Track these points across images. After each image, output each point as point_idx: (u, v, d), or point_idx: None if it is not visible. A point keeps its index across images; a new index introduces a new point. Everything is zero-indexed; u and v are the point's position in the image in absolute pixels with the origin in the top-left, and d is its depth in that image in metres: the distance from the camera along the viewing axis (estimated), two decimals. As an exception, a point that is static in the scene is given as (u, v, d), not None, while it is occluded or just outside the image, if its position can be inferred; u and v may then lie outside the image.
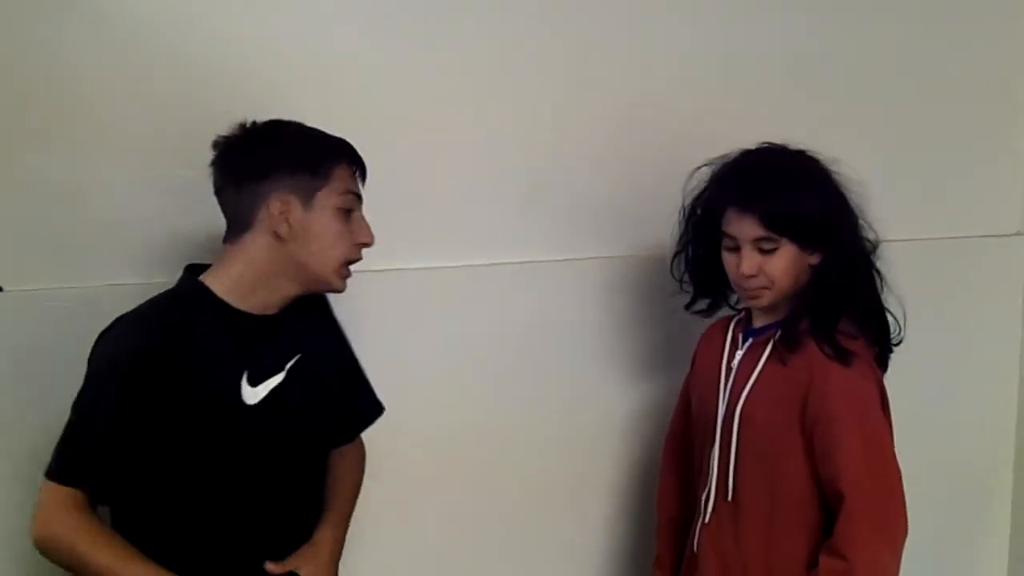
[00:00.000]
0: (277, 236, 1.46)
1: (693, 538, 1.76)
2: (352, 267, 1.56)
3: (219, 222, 1.63)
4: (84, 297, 1.72)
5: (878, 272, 1.67)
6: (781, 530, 1.63)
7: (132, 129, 1.74)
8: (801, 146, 1.66)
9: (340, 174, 1.49)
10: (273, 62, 1.77)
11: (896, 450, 1.64)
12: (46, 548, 1.44)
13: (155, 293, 1.62)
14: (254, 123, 1.51)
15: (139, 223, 1.76)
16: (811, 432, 1.58)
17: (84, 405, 1.44)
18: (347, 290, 1.59)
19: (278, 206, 1.45)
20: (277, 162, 1.46)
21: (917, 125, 2.25)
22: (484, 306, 1.98)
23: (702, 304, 1.80)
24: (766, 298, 1.63)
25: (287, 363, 1.56)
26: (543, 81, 1.98)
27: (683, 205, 1.75)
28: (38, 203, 1.71)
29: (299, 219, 1.46)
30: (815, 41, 2.17)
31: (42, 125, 1.69)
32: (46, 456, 1.46)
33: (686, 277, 1.79)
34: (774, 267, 1.60)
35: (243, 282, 1.49)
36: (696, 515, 1.76)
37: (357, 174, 1.53)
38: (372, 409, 1.76)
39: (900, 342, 1.71)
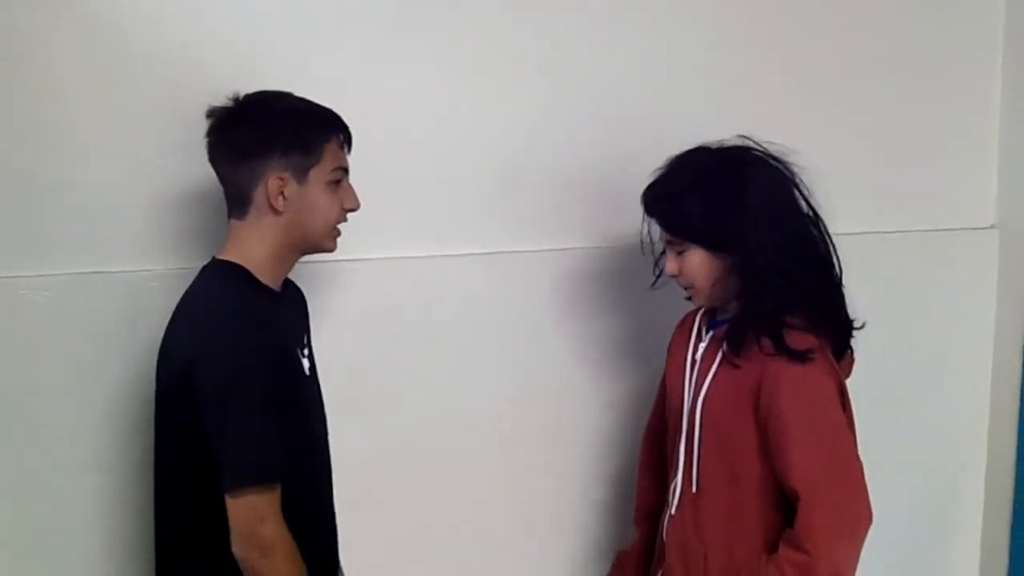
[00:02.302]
0: (274, 210, 1.52)
1: (662, 529, 1.78)
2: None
3: (202, 212, 1.72)
4: (64, 285, 1.75)
5: (828, 264, 1.65)
6: (741, 522, 1.64)
7: (114, 120, 1.77)
8: (735, 142, 1.65)
9: (331, 150, 1.57)
10: (249, 52, 1.80)
11: (867, 446, 1.64)
12: (272, 553, 1.43)
13: (140, 282, 1.72)
14: (247, 97, 1.56)
15: (121, 212, 1.79)
16: (764, 427, 1.59)
17: (243, 409, 1.44)
18: (324, 280, 1.73)
19: (275, 183, 1.51)
20: (272, 143, 1.52)
21: (891, 119, 2.26)
22: (458, 297, 2.00)
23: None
24: (698, 298, 1.68)
25: (304, 333, 1.67)
26: (520, 71, 1.99)
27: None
28: (19, 193, 1.74)
29: (294, 194, 1.53)
30: (794, 36, 2.18)
31: (25, 118, 1.73)
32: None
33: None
34: (688, 268, 1.64)
35: (266, 260, 1.55)
36: (665, 506, 1.78)
37: (345, 145, 1.60)
38: None
39: (862, 326, 1.70)
